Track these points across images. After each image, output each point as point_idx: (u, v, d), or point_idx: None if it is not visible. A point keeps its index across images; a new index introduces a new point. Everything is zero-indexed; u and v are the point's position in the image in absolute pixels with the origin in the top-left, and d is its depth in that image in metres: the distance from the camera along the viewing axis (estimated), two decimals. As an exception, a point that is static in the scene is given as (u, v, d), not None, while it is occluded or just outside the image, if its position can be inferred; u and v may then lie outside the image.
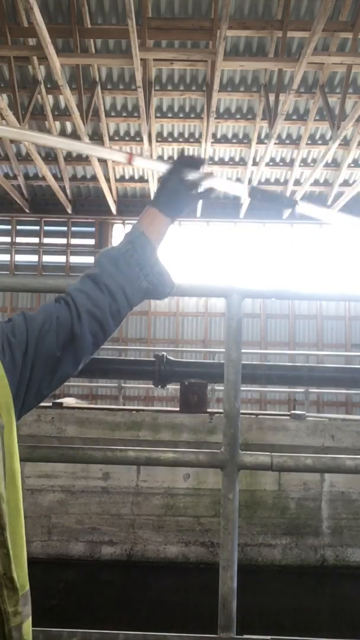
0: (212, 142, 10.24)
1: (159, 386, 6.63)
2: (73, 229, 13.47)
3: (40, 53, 7.47)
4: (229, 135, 11.06)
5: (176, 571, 5.46)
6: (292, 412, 6.59)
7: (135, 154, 1.48)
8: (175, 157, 1.43)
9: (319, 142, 10.87)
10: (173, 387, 8.63)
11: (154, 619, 4.48)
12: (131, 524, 5.73)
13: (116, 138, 11.09)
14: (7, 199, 12.39)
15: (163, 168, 1.42)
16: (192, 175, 1.34)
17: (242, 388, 1.72)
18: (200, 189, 1.37)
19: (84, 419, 5.88)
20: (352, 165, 11.33)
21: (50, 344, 1.14)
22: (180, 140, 11.09)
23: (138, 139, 10.80)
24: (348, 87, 8.68)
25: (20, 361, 1.10)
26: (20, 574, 1.00)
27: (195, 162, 1.36)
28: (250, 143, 10.90)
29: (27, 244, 13.50)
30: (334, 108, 9.27)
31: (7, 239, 13.47)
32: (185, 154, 1.40)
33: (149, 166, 1.54)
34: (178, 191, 1.34)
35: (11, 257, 13.46)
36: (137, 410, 6.32)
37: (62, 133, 10.90)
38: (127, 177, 12.45)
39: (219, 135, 10.94)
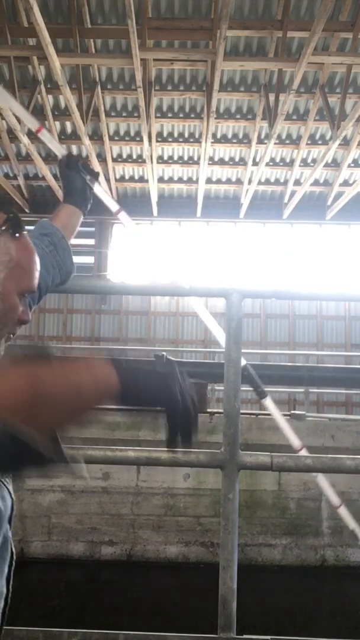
0: (212, 142, 10.24)
1: (159, 386, 6.60)
2: (73, 229, 13.44)
3: (40, 53, 7.47)
4: (229, 135, 11.05)
5: (176, 571, 5.46)
6: (292, 412, 6.59)
7: (46, 128, 1.90)
8: (65, 156, 1.72)
9: (319, 142, 10.87)
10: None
11: (154, 619, 4.48)
12: (131, 524, 5.73)
13: (116, 138, 11.10)
14: (7, 199, 12.38)
15: (60, 151, 1.78)
16: (89, 175, 1.67)
17: (242, 388, 1.72)
18: (94, 187, 1.69)
19: (84, 419, 5.87)
20: (352, 165, 11.32)
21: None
22: (180, 140, 11.09)
23: (138, 139, 10.80)
24: (348, 87, 8.68)
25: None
26: None
27: (86, 163, 1.68)
28: (250, 143, 10.90)
29: (27, 244, 13.50)
30: (334, 108, 9.27)
31: (7, 239, 13.46)
32: (73, 153, 1.66)
33: (52, 146, 1.86)
34: (85, 190, 1.65)
35: (11, 257, 13.45)
36: (137, 410, 6.31)
37: (62, 133, 10.91)
38: (127, 177, 12.45)
39: (219, 135, 10.94)
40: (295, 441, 2.32)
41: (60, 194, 12.69)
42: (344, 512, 2.50)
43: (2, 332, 1.04)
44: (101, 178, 11.16)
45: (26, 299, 1.09)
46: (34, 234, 1.36)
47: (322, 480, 2.38)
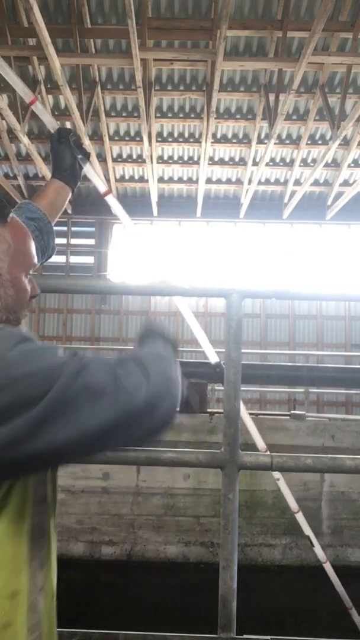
0: (212, 142, 10.24)
1: (159, 386, 6.61)
2: (73, 229, 13.46)
3: (40, 53, 7.47)
4: (229, 135, 11.05)
5: (176, 571, 5.46)
6: (292, 412, 6.59)
7: (39, 100, 1.92)
8: (57, 129, 1.73)
9: (319, 142, 10.87)
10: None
11: (154, 619, 4.48)
12: (131, 524, 5.73)
13: (116, 138, 11.10)
14: (7, 199, 12.38)
15: (52, 125, 1.79)
16: (80, 153, 1.68)
17: (242, 388, 1.71)
18: (85, 166, 1.71)
19: (84, 419, 5.87)
20: (352, 165, 11.32)
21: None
22: (180, 140, 11.09)
23: (138, 139, 10.80)
24: (348, 87, 8.68)
25: None
26: None
27: (78, 141, 1.70)
28: (250, 143, 10.90)
29: (27, 244, 13.49)
30: (334, 108, 9.27)
31: (7, 239, 13.45)
32: (66, 127, 1.71)
33: (44, 118, 1.86)
34: (74, 166, 1.67)
35: (11, 257, 13.44)
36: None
37: (62, 133, 10.90)
38: (127, 177, 12.45)
39: (219, 135, 10.94)
40: (260, 443, 2.40)
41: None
42: (300, 518, 2.64)
43: (22, 314, 1.09)
44: (101, 178, 11.18)
45: (30, 276, 1.12)
46: (20, 217, 1.33)
47: (282, 484, 2.46)
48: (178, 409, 0.95)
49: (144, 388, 0.87)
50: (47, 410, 0.80)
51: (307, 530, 2.65)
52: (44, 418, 0.80)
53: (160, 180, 12.25)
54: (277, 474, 2.48)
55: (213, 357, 2.11)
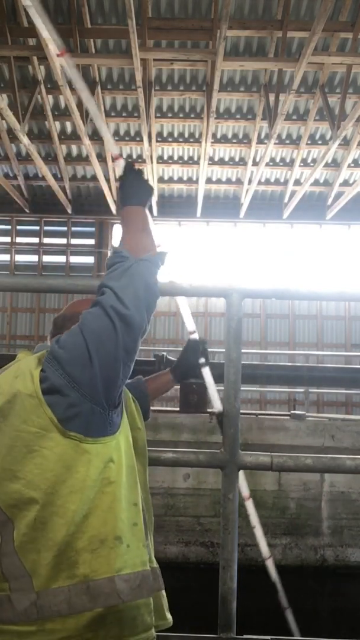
0: (212, 142, 10.24)
1: (159, 386, 6.60)
2: (73, 229, 13.46)
3: (40, 53, 7.48)
4: (229, 135, 11.05)
5: (176, 571, 5.46)
6: (292, 412, 6.59)
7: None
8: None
9: (319, 142, 10.87)
10: (173, 387, 8.61)
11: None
12: (131, 524, 5.72)
13: (116, 138, 11.09)
14: (7, 199, 12.38)
15: (75, 77, 1.73)
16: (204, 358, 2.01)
17: (242, 388, 1.72)
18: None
19: (84, 419, 5.86)
20: (352, 165, 11.32)
21: None
22: (180, 140, 11.10)
23: (138, 139, 10.80)
24: (348, 87, 8.68)
25: None
26: None
27: (207, 349, 2.07)
28: (250, 143, 10.90)
29: (27, 244, 13.49)
30: (334, 108, 9.27)
31: (7, 239, 13.45)
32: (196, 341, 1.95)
33: (71, 73, 1.71)
34: (194, 371, 2.09)
35: (11, 257, 13.44)
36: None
37: (62, 133, 10.91)
38: (127, 177, 12.43)
39: (219, 135, 10.94)
40: (217, 403, 2.07)
41: (62, 194, 12.58)
42: (270, 564, 2.49)
43: None
44: (101, 178, 11.18)
45: None
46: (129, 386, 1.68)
47: (250, 505, 2.34)
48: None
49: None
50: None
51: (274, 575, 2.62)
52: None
53: (160, 180, 12.25)
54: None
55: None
